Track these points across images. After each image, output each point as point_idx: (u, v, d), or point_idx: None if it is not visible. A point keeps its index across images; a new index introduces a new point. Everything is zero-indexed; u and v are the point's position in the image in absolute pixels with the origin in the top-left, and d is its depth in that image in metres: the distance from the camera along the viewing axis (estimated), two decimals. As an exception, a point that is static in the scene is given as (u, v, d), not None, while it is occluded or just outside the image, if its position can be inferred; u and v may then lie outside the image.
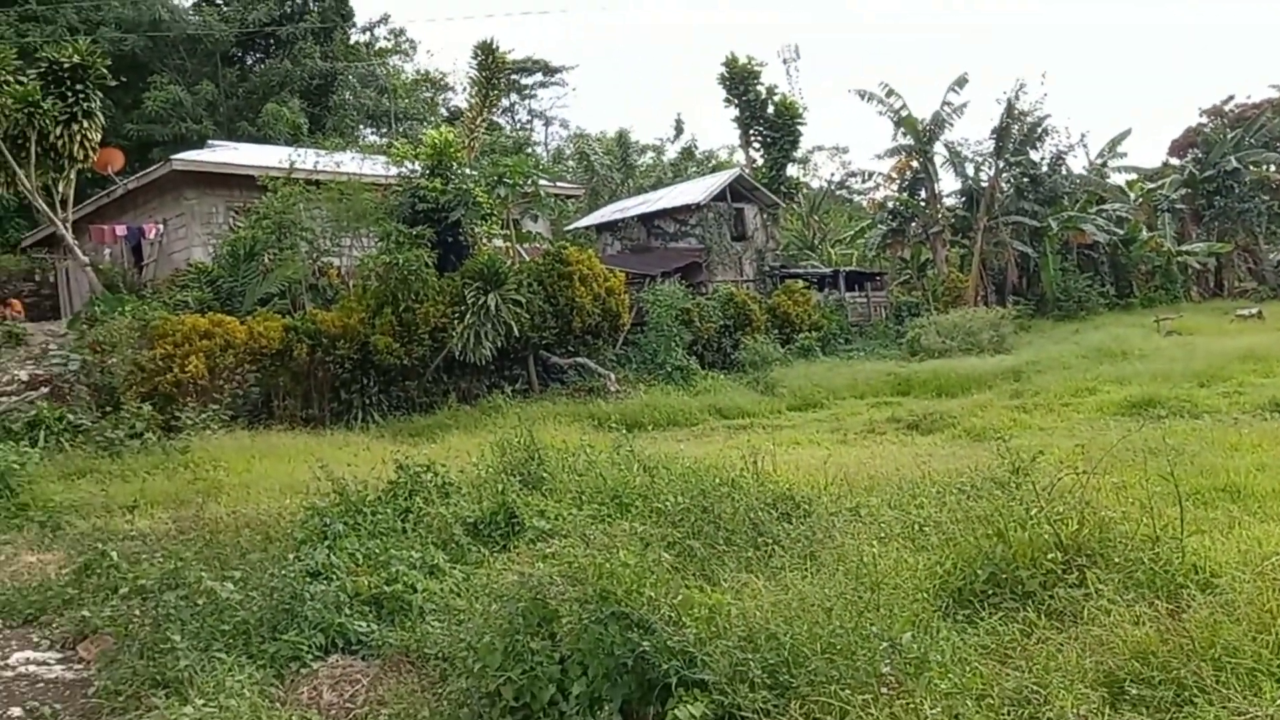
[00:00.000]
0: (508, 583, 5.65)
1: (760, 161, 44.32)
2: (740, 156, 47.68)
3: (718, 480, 7.89)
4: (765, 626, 4.66)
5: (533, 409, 19.16)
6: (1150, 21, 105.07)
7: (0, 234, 37.85)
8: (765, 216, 36.63)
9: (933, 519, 6.80)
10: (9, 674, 6.64)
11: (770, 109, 43.81)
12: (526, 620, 4.94)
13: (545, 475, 9.28)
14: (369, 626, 6.21)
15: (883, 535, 6.55)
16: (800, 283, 32.12)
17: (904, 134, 39.58)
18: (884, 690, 4.19)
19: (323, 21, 47.48)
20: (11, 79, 22.70)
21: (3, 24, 39.38)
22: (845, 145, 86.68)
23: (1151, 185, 48.50)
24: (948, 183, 71.04)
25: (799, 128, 43.81)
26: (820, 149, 63.22)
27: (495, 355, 21.19)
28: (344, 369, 19.89)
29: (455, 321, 20.45)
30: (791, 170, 45.80)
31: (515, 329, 20.94)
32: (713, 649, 4.47)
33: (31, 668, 6.75)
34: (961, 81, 38.09)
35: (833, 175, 60.21)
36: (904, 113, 38.94)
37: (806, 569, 5.94)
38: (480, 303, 20.40)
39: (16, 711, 6.00)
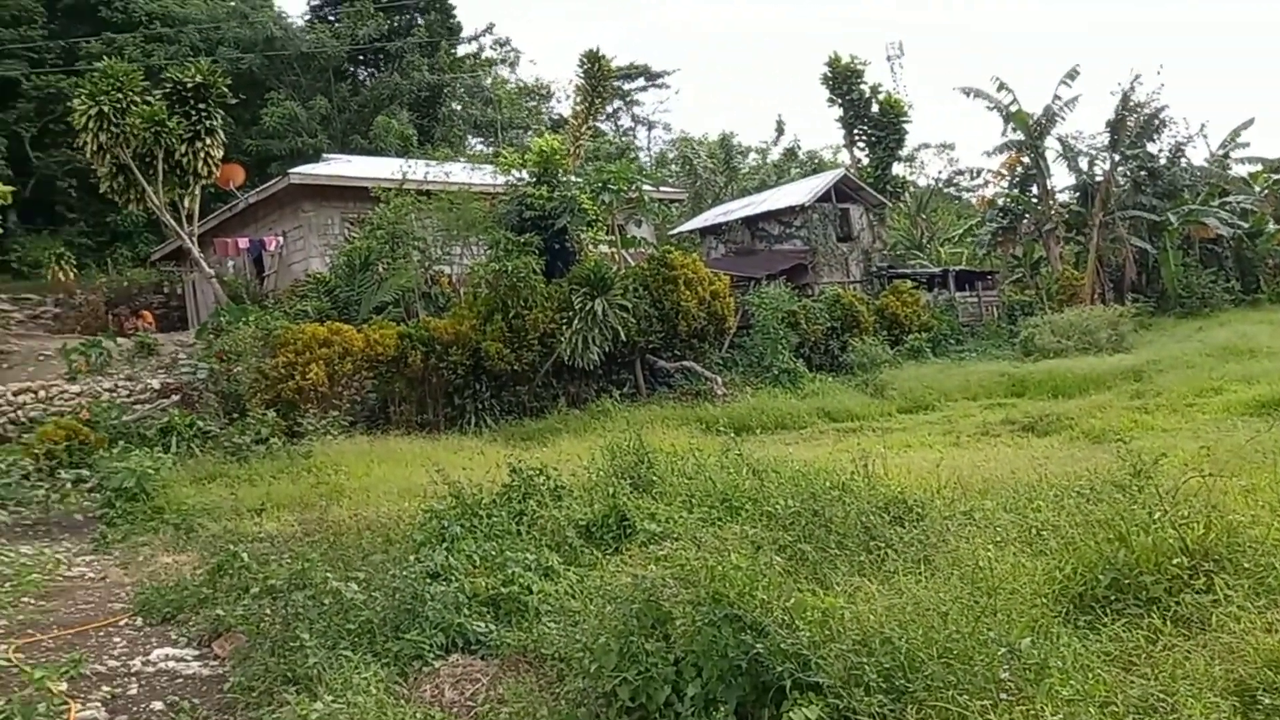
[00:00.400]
0: (621, 585, 5.73)
1: (865, 161, 43.79)
2: (844, 156, 47.17)
3: (828, 483, 7.83)
4: (879, 630, 4.64)
5: (640, 413, 19.28)
6: (1269, 19, 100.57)
7: (131, 249, 39.65)
8: (871, 216, 36.18)
9: (1051, 523, 6.65)
10: (150, 669, 6.98)
11: (875, 107, 43.24)
12: (641, 622, 5.01)
13: (655, 478, 9.34)
14: (487, 627, 6.36)
15: (999, 539, 6.43)
16: (908, 283, 31.63)
17: (1014, 129, 38.61)
18: (1003, 696, 4.14)
19: (430, 35, 48.57)
20: (140, 100, 23.79)
21: (130, 46, 41.22)
22: (952, 142, 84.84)
23: (1278, 176, 46.39)
24: (1060, 178, 69.09)
25: (904, 126, 43.15)
26: (926, 146, 62.08)
27: (603, 360, 21.39)
28: (457, 375, 20.31)
29: (563, 327, 20.71)
30: (897, 169, 45.15)
31: (622, 333, 21.11)
32: (827, 652, 4.48)
33: (171, 664, 7.08)
34: (1073, 74, 37.02)
35: (940, 173, 59.04)
36: (1013, 108, 38.01)
37: (920, 573, 5.88)
38: (587, 308, 20.62)
39: (158, 705, 6.31)
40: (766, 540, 6.45)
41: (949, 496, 8.13)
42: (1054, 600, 5.34)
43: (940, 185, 54.81)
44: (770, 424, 18.36)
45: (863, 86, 43.44)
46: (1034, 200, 39.41)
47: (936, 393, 21.10)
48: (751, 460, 9.56)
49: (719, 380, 21.92)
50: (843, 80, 43.19)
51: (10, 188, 24.30)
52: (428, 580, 6.73)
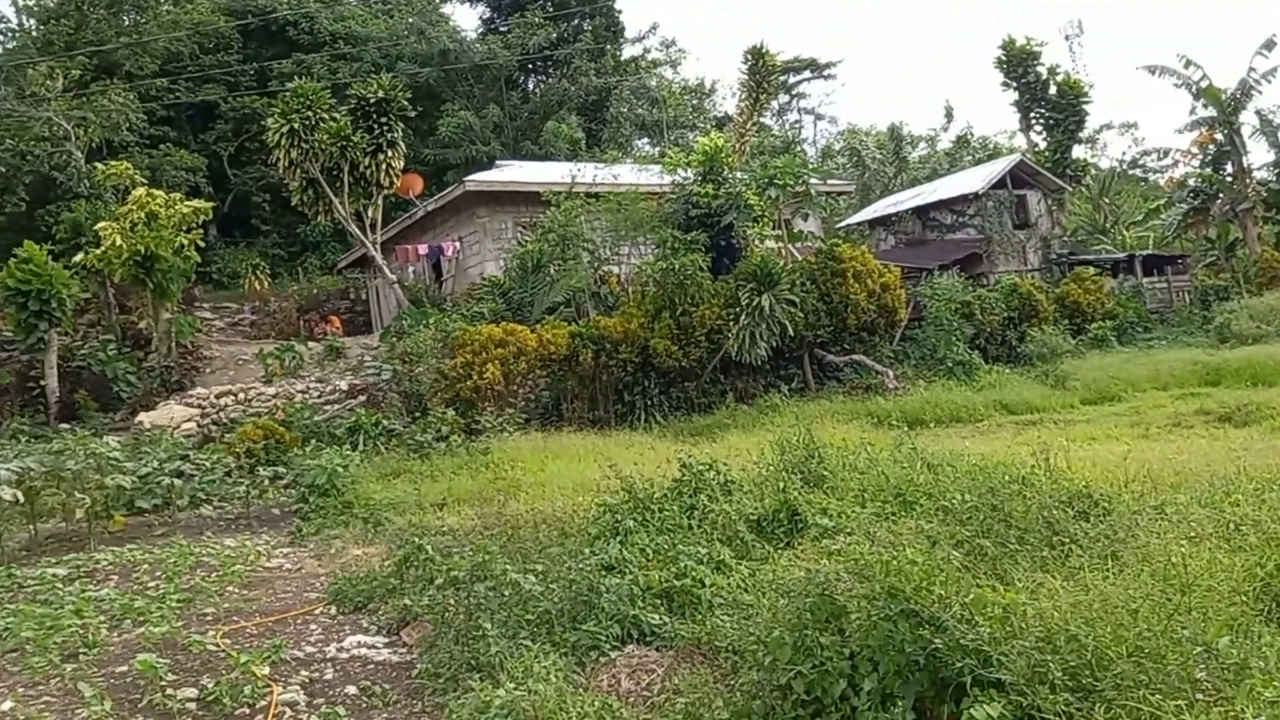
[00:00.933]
0: (794, 579, 5.70)
1: (1042, 145, 42.15)
2: (1020, 141, 45.52)
3: (1007, 477, 7.56)
4: (1064, 628, 4.47)
5: (810, 407, 19.08)
6: None
7: (319, 258, 41.71)
8: (1050, 202, 34.82)
9: (1250, 518, 6.27)
10: (344, 655, 7.33)
11: (1052, 89, 41.56)
12: (815, 616, 4.98)
13: (826, 473, 9.24)
14: (661, 619, 6.42)
15: (1193, 535, 6.09)
16: (1091, 269, 30.27)
17: (1205, 105, 36.44)
18: (1199, 696, 3.93)
19: (595, 40, 49.31)
20: (327, 116, 25.03)
21: (317, 65, 43.40)
22: (1135, 121, 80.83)
23: None
24: (1258, 155, 64.81)
25: (1084, 107, 41.30)
26: (1109, 127, 59.36)
27: (770, 355, 21.27)
28: (626, 372, 20.56)
29: (730, 323, 20.70)
30: (1077, 152, 43.27)
31: (790, 328, 20.95)
32: (1008, 649, 4.34)
33: (363, 650, 7.42)
34: (1270, 44, 34.64)
35: (1123, 154, 56.38)
36: (1204, 83, 35.87)
37: (1107, 569, 5.63)
38: (754, 304, 20.55)
39: (352, 689, 6.63)
40: (943, 535, 6.31)
41: (1138, 490, 7.76)
42: (1254, 599, 5.03)
43: (1124, 167, 52.22)
44: (944, 417, 17.90)
45: (1039, 68, 41.83)
46: (1228, 179, 37.10)
47: (1123, 383, 20.13)
48: (925, 454, 9.35)
49: (890, 373, 21.50)
50: (1018, 63, 41.69)
51: (211, 203, 25.91)
52: (603, 573, 6.85)
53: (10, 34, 42.89)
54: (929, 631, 4.49)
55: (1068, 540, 6.24)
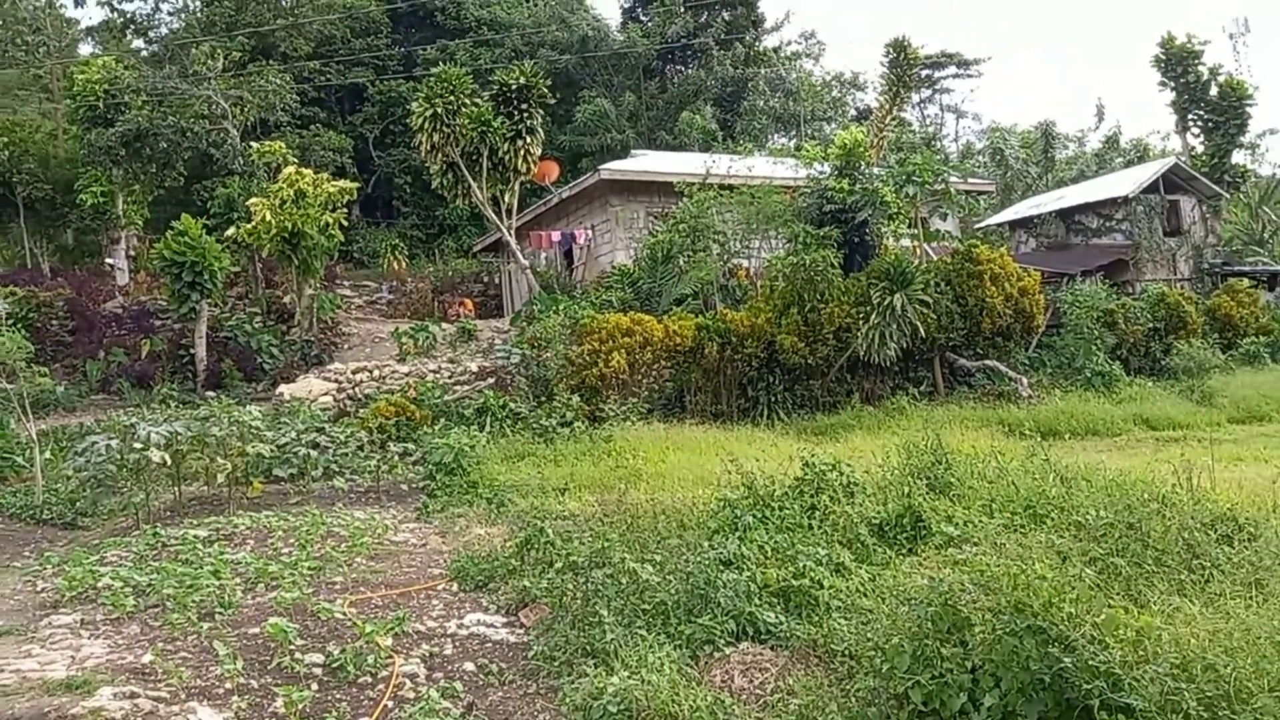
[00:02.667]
0: (916, 586, 5.61)
1: (1199, 148, 40.30)
2: (1175, 143, 43.62)
3: (1145, 495, 7.29)
4: (1201, 656, 4.29)
5: (938, 412, 18.70)
6: None
7: (455, 240, 42.67)
8: (1204, 209, 33.26)
9: None
10: (463, 633, 7.51)
11: (1213, 90, 39.70)
12: (936, 625, 4.89)
13: (953, 480, 9.06)
14: (777, 618, 6.39)
15: (1348, 567, 5.79)
16: (1245, 281, 28.84)
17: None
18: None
19: (732, 30, 49.09)
20: (469, 101, 25.55)
21: (460, 51, 44.34)
22: (1305, 128, 76.37)
23: None
24: None
25: (1247, 110, 39.32)
26: (1273, 132, 56.59)
27: (900, 356, 20.89)
28: (751, 367, 20.47)
29: (860, 322, 20.40)
30: (1238, 157, 41.20)
31: (921, 330, 20.53)
32: (1140, 674, 4.19)
33: (481, 629, 7.59)
34: None
35: (1288, 160, 53.40)
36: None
37: (1251, 598, 5.38)
38: (886, 303, 20.20)
39: (470, 666, 6.79)
40: (1075, 551, 6.12)
41: (1288, 517, 7.39)
42: None
43: (1288, 174, 49.50)
44: (1080, 429, 17.32)
45: (1200, 68, 39.98)
46: (1404, 190, 34.88)
47: (1275, 403, 19.13)
48: (1059, 466, 9.07)
49: (1024, 381, 20.88)
50: (1177, 62, 39.93)
51: (355, 184, 26.78)
52: (720, 567, 6.85)
53: (176, 14, 45.10)
54: (1057, 650, 4.36)
55: (1209, 565, 5.99)
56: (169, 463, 12.33)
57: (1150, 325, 25.04)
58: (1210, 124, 39.75)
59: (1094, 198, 33.19)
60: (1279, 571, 5.75)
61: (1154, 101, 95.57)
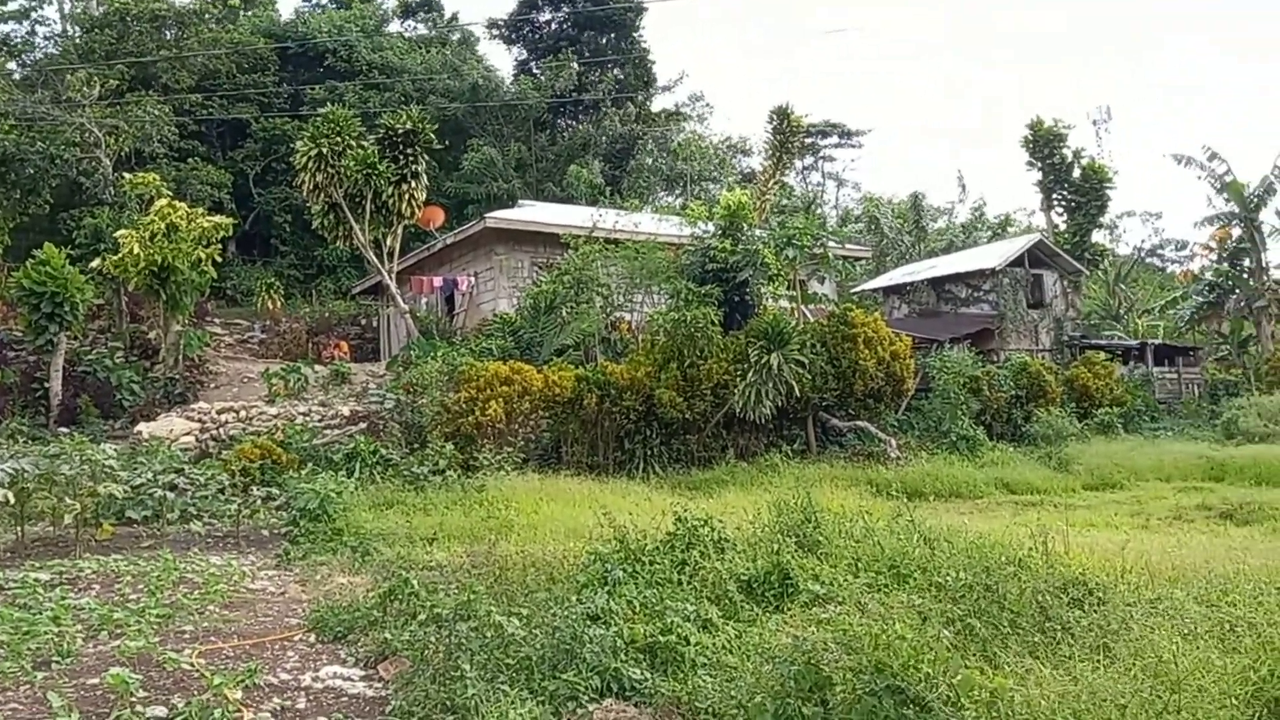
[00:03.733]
0: (781, 644, 5.61)
1: (1063, 226, 42.37)
2: (1040, 220, 45.77)
3: (1003, 558, 7.49)
4: (1051, 717, 4.38)
5: (810, 470, 18.98)
6: None
7: (334, 281, 41.87)
8: (1066, 284, 34.85)
9: (1247, 619, 6.16)
10: (319, 685, 7.20)
11: (1076, 172, 41.89)
12: (799, 684, 4.88)
13: (821, 539, 9.14)
14: (643, 674, 6.30)
15: (1187, 632, 5.99)
16: (1102, 354, 30.24)
17: (1226, 200, 36.61)
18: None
19: (625, 89, 49.80)
20: (355, 143, 25.26)
21: (349, 93, 43.87)
22: (1159, 211, 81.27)
23: None
24: (1276, 253, 65.07)
25: (1107, 192, 41.64)
26: (1130, 214, 59.97)
27: (775, 414, 21.18)
28: (629, 420, 20.49)
29: (737, 379, 20.65)
30: (1097, 236, 43.56)
31: (796, 389, 20.87)
32: (993, 735, 4.25)
33: (338, 682, 7.29)
34: (1295, 143, 34.88)
35: (1143, 242, 56.76)
36: (1227, 178, 36.08)
37: (1098, 661, 5.53)
38: (763, 361, 20.51)
39: (323, 720, 6.52)
40: (935, 612, 6.21)
41: (1134, 582, 7.66)
42: (1246, 703, 4.92)
43: (1143, 255, 52.48)
44: (945, 491, 17.80)
45: (1065, 151, 42.22)
46: (1245, 275, 37.14)
47: (1126, 471, 20.03)
48: (923, 527, 9.25)
49: (893, 442, 21.39)
50: (1044, 144, 42.06)
51: (232, 220, 26.09)
52: (588, 622, 6.74)
53: (54, 39, 43.54)
54: (914, 711, 4.40)
55: (1060, 627, 6.15)
56: (12, 501, 11.67)
57: (1013, 393, 25.96)
58: (1073, 204, 41.84)
59: (964, 268, 34.47)
60: (1125, 636, 5.92)
61: (1022, 180, 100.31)
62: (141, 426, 19.97)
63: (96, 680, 6.90)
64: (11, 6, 40.46)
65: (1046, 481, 19.35)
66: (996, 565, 7.14)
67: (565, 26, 51.17)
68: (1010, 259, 33.29)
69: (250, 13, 48.77)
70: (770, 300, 24.44)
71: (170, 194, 27.04)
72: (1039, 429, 24.57)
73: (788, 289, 24.60)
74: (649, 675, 6.31)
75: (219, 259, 24.71)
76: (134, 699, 6.45)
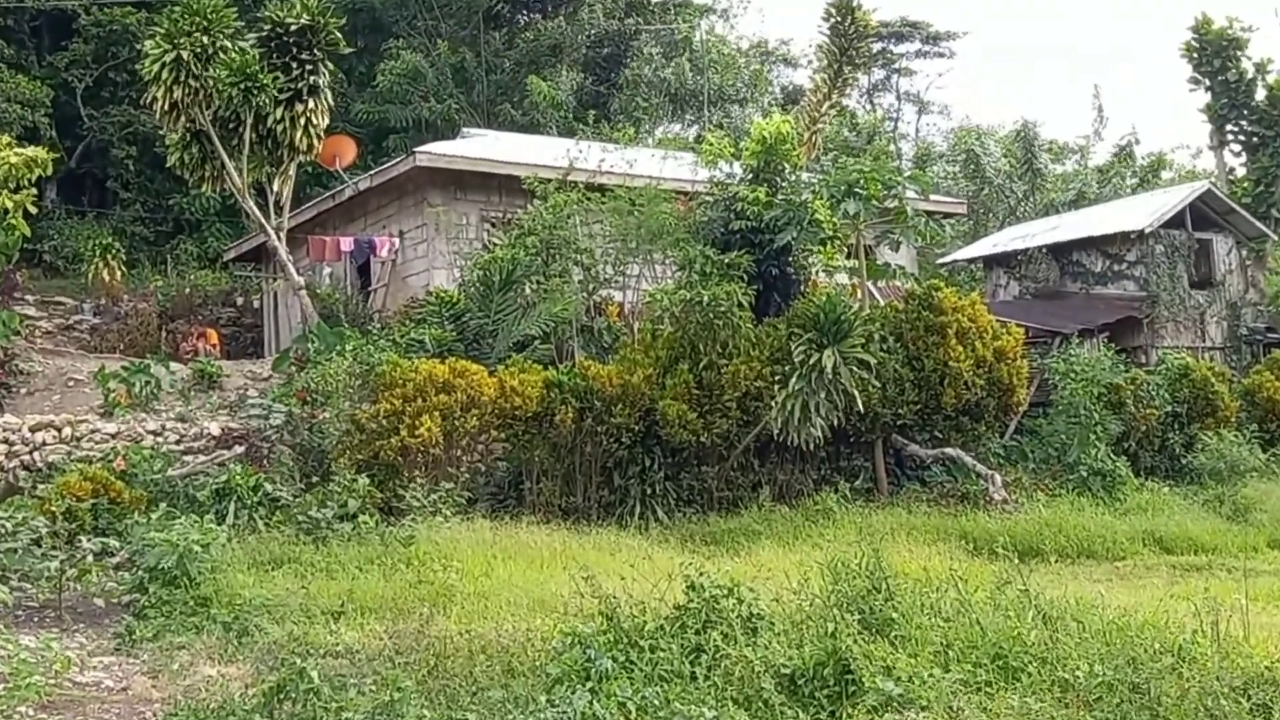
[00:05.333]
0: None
1: (1241, 171, 42.35)
2: (1208, 162, 45.82)
3: (1157, 645, 7.53)
4: None
5: (879, 517, 18.99)
6: None
7: (198, 243, 41.73)
8: (1245, 254, 34.86)
9: None
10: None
11: (1261, 94, 41.81)
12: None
13: (895, 616, 9.17)
14: (642, 810, 6.33)
15: None
16: (1297, 354, 30.30)
17: None
18: None
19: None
20: (230, 45, 25.17)
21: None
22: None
23: None
24: None
25: (1306, 122, 41.58)
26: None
27: (829, 437, 21.15)
28: (620, 444, 20.48)
29: (775, 387, 20.62)
30: (1293, 185, 43.53)
31: (859, 402, 20.84)
32: None
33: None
34: None
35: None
36: None
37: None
38: (812, 362, 20.48)
39: None
40: (1059, 721, 6.24)
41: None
42: None
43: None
44: (1071, 549, 17.81)
45: (1244, 62, 42.09)
46: None
47: (1331, 523, 20.10)
48: (1041, 601, 9.28)
49: (998, 479, 21.39)
50: (1214, 54, 41.93)
51: (53, 154, 25.96)
52: (562, 733, 6.77)
53: None
54: None
55: (1239, 744, 6.17)
56: None
57: (1169, 409, 25.94)
58: (1256, 138, 41.74)
59: (1099, 230, 34.38)
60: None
61: (1183, 106, 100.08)
62: (-79, 449, 19.94)
63: None
64: None
65: (1217, 535, 19.35)
66: (1147, 656, 7.16)
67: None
68: (1165, 217, 33.23)
69: None
70: (823, 274, 24.39)
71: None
72: (1206, 461, 24.57)
73: (847, 258, 24.55)
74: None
75: (33, 209, 24.63)
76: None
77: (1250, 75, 42.07)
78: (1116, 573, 16.21)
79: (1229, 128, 42.59)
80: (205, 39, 24.78)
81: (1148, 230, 32.72)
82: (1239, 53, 42.07)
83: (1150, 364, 29.06)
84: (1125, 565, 17.12)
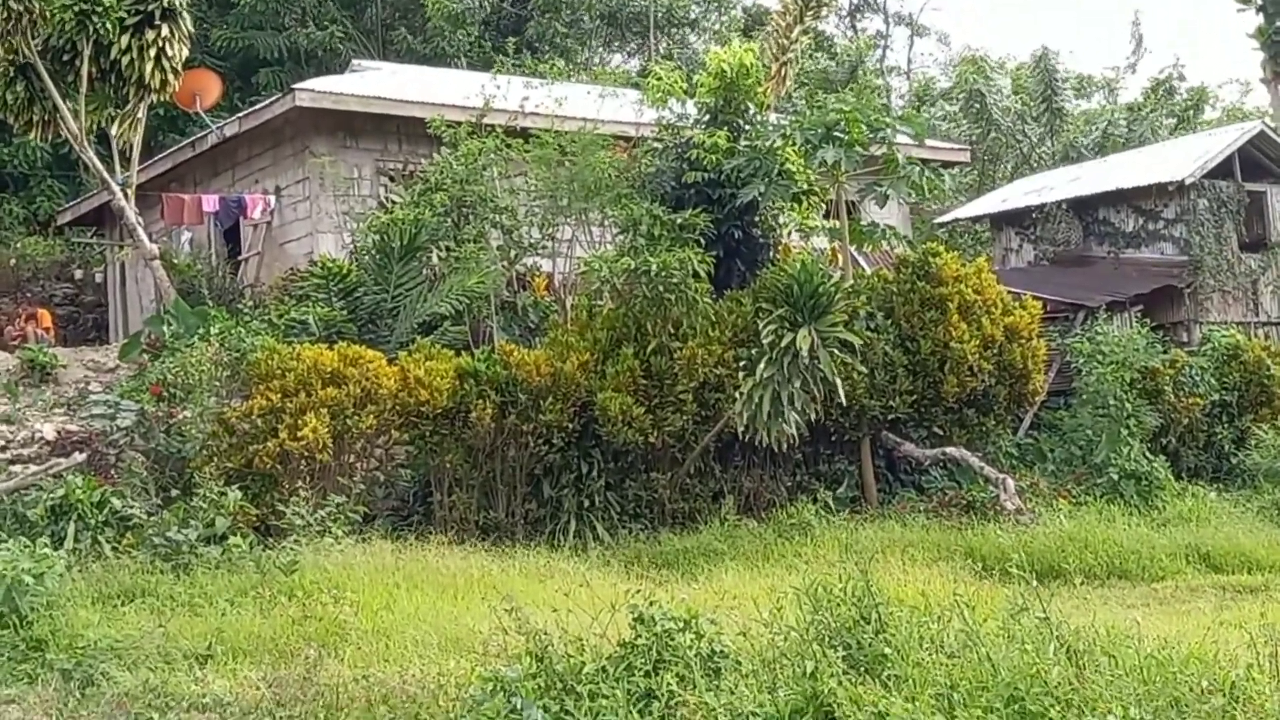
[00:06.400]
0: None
1: (1301, 111, 42.80)
2: (1261, 98, 46.25)
3: (1204, 682, 7.59)
4: None
5: (867, 532, 19.12)
6: None
7: (25, 204, 41.37)
8: (1306, 209, 35.22)
9: None
10: None
11: (1320, 16, 42.31)
12: None
13: (888, 652, 9.21)
14: None
15: None
16: (1367, 331, 30.68)
17: None
18: None
19: None
20: (62, -50, 24.87)
21: None
22: None
23: None
24: None
25: (1375, 48, 42.10)
26: None
27: (805, 436, 21.26)
28: (551, 446, 20.50)
29: (740, 375, 20.68)
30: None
31: (841, 392, 20.94)
32: None
33: None
34: None
35: None
36: None
37: None
38: (785, 344, 20.54)
39: None
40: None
41: None
42: None
43: None
44: (1100, 568, 17.97)
45: (1302, -22, 42.55)
46: None
47: None
48: (1065, 632, 9.34)
49: (1010, 484, 21.53)
50: (1265, -32, 42.36)
51: None
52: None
53: None
54: None
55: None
56: None
57: (1216, 397, 26.18)
58: (1317, 71, 42.18)
59: (1129, 182, 34.58)
60: None
61: (1232, 28, 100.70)
62: None
63: None
64: None
65: (1273, 551, 19.52)
66: (1193, 696, 7.22)
67: None
68: (1210, 165, 33.46)
69: None
70: (796, 237, 24.46)
71: None
72: (1261, 459, 24.82)
73: (825, 217, 24.62)
74: None
75: None
76: None
77: (1309, -7, 42.52)
78: (1155, 596, 16.35)
79: (1285, 57, 42.99)
80: (32, -53, 24.52)
81: (1189, 181, 32.87)
82: (1297, -38, 42.50)
83: (1193, 343, 29.31)
84: (1165, 587, 17.26)
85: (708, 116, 23.43)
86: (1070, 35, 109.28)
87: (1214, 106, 53.64)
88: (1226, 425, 26.27)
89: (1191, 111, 51.81)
